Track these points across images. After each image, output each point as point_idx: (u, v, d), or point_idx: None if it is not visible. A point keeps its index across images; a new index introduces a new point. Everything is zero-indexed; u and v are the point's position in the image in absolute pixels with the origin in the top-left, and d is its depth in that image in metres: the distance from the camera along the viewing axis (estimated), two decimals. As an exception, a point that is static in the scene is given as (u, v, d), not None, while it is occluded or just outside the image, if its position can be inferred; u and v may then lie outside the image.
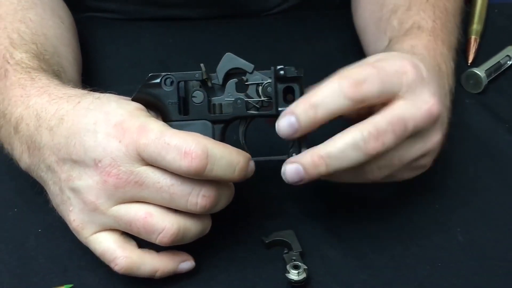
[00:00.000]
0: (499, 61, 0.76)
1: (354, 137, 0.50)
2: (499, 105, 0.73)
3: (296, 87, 0.53)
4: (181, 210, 0.50)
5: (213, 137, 0.53)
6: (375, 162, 0.52)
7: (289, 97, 0.53)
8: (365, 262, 0.56)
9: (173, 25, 0.82)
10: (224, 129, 0.54)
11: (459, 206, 0.61)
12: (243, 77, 0.53)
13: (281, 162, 0.53)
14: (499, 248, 0.58)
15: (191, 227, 0.51)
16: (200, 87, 0.53)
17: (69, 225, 0.52)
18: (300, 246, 0.56)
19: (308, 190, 0.61)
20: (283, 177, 0.52)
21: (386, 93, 0.51)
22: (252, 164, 0.52)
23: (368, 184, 0.56)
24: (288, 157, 0.53)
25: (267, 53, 0.76)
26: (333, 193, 0.61)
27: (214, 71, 0.54)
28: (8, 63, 0.58)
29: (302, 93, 0.53)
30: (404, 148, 0.52)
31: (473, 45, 0.79)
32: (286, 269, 0.54)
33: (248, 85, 0.53)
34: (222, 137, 0.54)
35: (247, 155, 0.51)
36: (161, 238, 0.50)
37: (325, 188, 0.60)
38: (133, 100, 0.55)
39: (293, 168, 0.51)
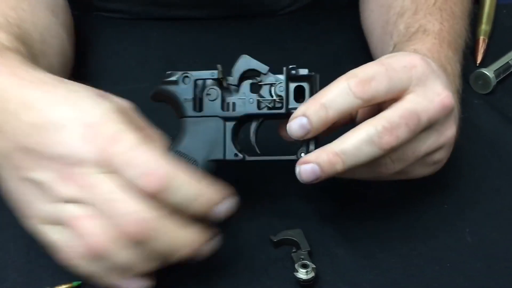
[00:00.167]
0: (507, 62, 0.76)
1: (368, 132, 0.50)
2: (508, 105, 0.72)
3: (306, 86, 0.54)
4: (116, 229, 0.46)
5: (224, 134, 0.54)
6: (390, 156, 0.52)
7: (301, 99, 0.54)
8: (373, 262, 0.56)
9: (181, 24, 0.82)
10: (236, 128, 0.55)
11: (468, 206, 0.61)
12: (257, 78, 0.54)
13: (290, 162, 0.54)
14: (508, 249, 0.58)
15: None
16: (215, 85, 0.55)
17: (17, 212, 0.50)
18: (308, 245, 0.56)
19: (316, 189, 0.61)
20: (298, 177, 0.52)
21: (395, 89, 0.51)
22: (226, 205, 0.49)
23: (377, 183, 0.56)
24: (297, 157, 0.53)
25: (275, 53, 0.75)
26: (342, 193, 0.61)
27: (227, 72, 0.55)
28: None
29: (313, 92, 0.53)
30: (418, 141, 0.52)
31: (482, 46, 0.78)
32: (295, 268, 0.54)
33: (261, 85, 0.54)
34: (235, 135, 0.55)
35: (222, 193, 0.49)
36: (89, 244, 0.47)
37: (333, 187, 0.60)
38: (152, 96, 0.56)
39: (308, 167, 0.51)
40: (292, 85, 0.54)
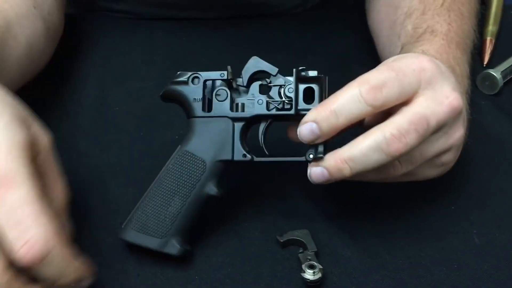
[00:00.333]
0: (515, 62, 0.75)
1: (376, 140, 0.50)
2: (515, 106, 0.72)
3: (316, 87, 0.54)
4: None
5: (233, 135, 0.55)
6: (398, 158, 0.52)
7: (310, 100, 0.54)
8: (380, 263, 0.56)
9: (187, 23, 0.81)
10: (244, 128, 0.55)
11: (475, 208, 0.61)
12: (267, 79, 0.54)
13: (298, 163, 0.54)
14: (515, 251, 0.58)
15: None
16: (224, 86, 0.55)
17: None
18: (315, 246, 0.56)
19: (323, 190, 0.61)
20: (309, 178, 0.53)
21: (406, 94, 0.51)
22: (86, 283, 0.48)
23: (385, 184, 0.56)
24: (306, 158, 0.53)
25: (282, 52, 0.75)
26: (349, 193, 0.61)
27: (235, 73, 0.55)
28: None
29: (322, 94, 0.54)
30: (427, 143, 0.52)
31: (489, 46, 0.78)
32: (301, 269, 0.54)
33: (271, 87, 0.54)
34: (243, 136, 0.55)
35: (86, 272, 0.48)
36: None
37: (340, 188, 0.59)
38: (161, 96, 0.56)
39: (318, 170, 0.52)
40: (302, 87, 0.54)
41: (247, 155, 0.54)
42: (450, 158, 0.55)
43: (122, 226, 0.55)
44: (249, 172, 0.63)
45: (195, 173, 0.54)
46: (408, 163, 0.53)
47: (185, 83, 0.55)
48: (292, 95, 0.54)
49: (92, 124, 0.68)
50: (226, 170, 0.55)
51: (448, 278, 0.55)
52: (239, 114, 0.55)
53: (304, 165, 0.53)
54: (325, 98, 0.53)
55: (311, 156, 0.52)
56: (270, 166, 0.61)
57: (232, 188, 0.60)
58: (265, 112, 0.54)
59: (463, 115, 0.55)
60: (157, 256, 0.55)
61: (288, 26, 0.81)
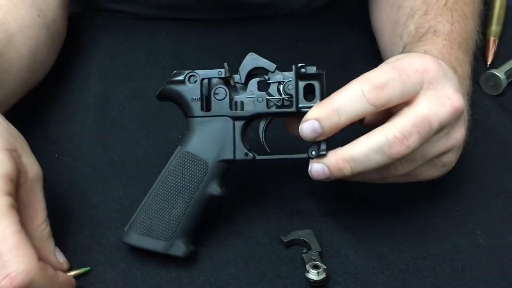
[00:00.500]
0: (518, 63, 0.75)
1: (378, 142, 0.50)
2: (519, 107, 0.72)
3: (316, 84, 0.53)
4: None
5: (234, 134, 0.54)
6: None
7: (310, 97, 0.54)
8: (384, 263, 0.56)
9: (190, 23, 0.81)
10: (244, 126, 0.55)
11: (479, 208, 0.61)
12: (265, 76, 0.54)
13: (301, 161, 0.54)
14: (519, 251, 0.57)
15: None
16: (222, 84, 0.54)
17: None
18: (319, 246, 0.56)
19: (328, 190, 0.61)
20: (310, 174, 0.53)
21: (408, 94, 0.51)
22: None
23: (389, 184, 0.56)
24: (308, 155, 0.53)
25: (284, 52, 0.75)
26: (353, 193, 0.61)
27: (236, 71, 0.54)
28: None
29: (323, 91, 0.53)
30: (428, 144, 0.52)
31: (492, 47, 0.78)
32: (305, 269, 0.54)
33: (269, 84, 0.54)
34: (244, 135, 0.55)
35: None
36: None
37: (345, 188, 0.59)
38: (157, 95, 0.56)
39: (319, 167, 0.52)
40: (302, 84, 0.54)
41: (249, 153, 0.54)
42: (450, 158, 0.55)
43: (125, 230, 0.55)
44: (252, 172, 0.63)
45: (197, 174, 0.54)
46: (409, 164, 0.53)
47: (182, 82, 0.54)
48: (292, 92, 0.53)
49: (95, 123, 0.68)
50: (228, 169, 0.55)
51: (453, 278, 0.55)
52: (240, 113, 0.54)
53: (307, 164, 0.53)
54: (325, 93, 0.53)
55: (313, 153, 0.52)
56: (273, 166, 0.60)
57: (236, 188, 0.59)
58: (266, 110, 0.54)
59: (464, 116, 0.55)
60: (161, 256, 0.55)
61: (291, 26, 0.81)
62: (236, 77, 0.54)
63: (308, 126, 0.51)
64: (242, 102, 0.54)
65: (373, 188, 0.57)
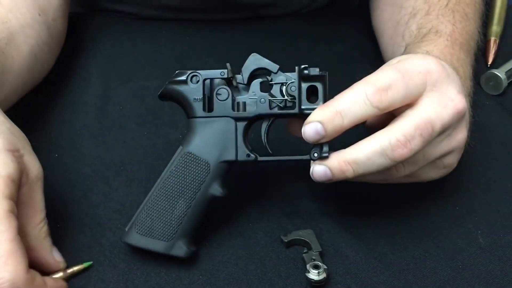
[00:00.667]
0: (519, 63, 0.75)
1: (381, 145, 0.50)
2: (520, 107, 0.72)
3: (320, 86, 0.53)
4: None
5: (236, 134, 0.54)
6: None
7: (313, 98, 0.54)
8: (385, 263, 0.56)
9: (191, 23, 0.81)
10: (247, 127, 0.55)
11: (480, 208, 0.61)
12: (267, 77, 0.54)
13: (302, 161, 0.54)
14: (520, 251, 0.57)
15: None
16: (225, 85, 0.54)
17: None
18: (319, 246, 0.56)
19: (328, 190, 0.61)
20: (312, 176, 0.52)
21: (411, 96, 0.51)
22: None
23: (389, 184, 0.56)
24: (310, 157, 0.53)
25: (286, 52, 0.75)
26: (354, 193, 0.61)
27: (238, 71, 0.54)
28: None
29: (325, 93, 0.53)
30: (430, 146, 0.52)
31: (493, 47, 0.78)
32: (306, 269, 0.54)
33: (272, 85, 0.54)
34: (246, 136, 0.55)
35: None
36: None
37: (345, 188, 0.59)
38: (159, 95, 0.55)
39: (321, 169, 0.52)
40: (305, 85, 0.53)
41: (251, 154, 0.54)
42: (452, 160, 0.55)
43: (126, 229, 0.55)
44: (253, 172, 0.63)
45: (199, 175, 0.54)
46: (411, 165, 0.53)
47: (184, 82, 0.54)
48: (295, 93, 0.53)
49: (96, 123, 0.68)
50: (230, 170, 0.55)
51: (453, 278, 0.55)
52: (242, 113, 0.54)
53: (308, 164, 0.53)
54: (327, 95, 0.53)
55: (316, 155, 0.52)
56: (274, 166, 0.60)
57: (236, 188, 0.59)
58: (268, 111, 0.54)
59: (466, 117, 0.55)
60: (161, 256, 0.55)
61: (292, 27, 0.81)
62: (239, 77, 0.54)
63: (311, 129, 0.51)
64: (244, 103, 0.54)
65: (373, 188, 0.57)
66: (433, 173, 0.55)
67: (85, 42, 0.78)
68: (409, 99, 0.51)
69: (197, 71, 0.54)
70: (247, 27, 0.80)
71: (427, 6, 0.67)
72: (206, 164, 0.54)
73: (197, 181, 0.54)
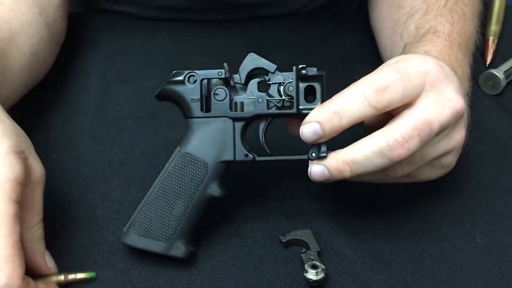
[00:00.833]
0: (517, 63, 0.75)
1: (379, 145, 0.50)
2: (518, 106, 0.72)
3: (317, 86, 0.53)
4: None
5: (234, 135, 0.54)
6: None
7: (310, 98, 0.54)
8: (383, 263, 0.56)
9: (190, 23, 0.81)
10: (244, 127, 0.55)
11: (478, 208, 0.61)
12: (265, 77, 0.54)
13: (300, 161, 0.54)
14: (518, 251, 0.57)
15: None
16: (222, 85, 0.54)
17: None
18: (318, 246, 0.56)
19: (326, 190, 0.61)
20: (310, 176, 0.53)
21: (409, 96, 0.51)
22: None
23: (387, 184, 0.56)
24: (308, 156, 0.53)
25: (284, 52, 0.75)
26: (352, 193, 0.61)
27: (235, 71, 0.54)
28: None
29: (323, 93, 0.53)
30: (428, 146, 0.52)
31: (491, 46, 0.78)
32: (304, 269, 0.54)
33: (270, 84, 0.54)
34: (243, 135, 0.55)
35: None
36: None
37: (343, 188, 0.59)
38: (157, 95, 0.55)
39: (319, 169, 0.52)
40: (302, 85, 0.54)
41: (249, 154, 0.54)
42: (450, 160, 0.55)
43: (124, 230, 0.55)
44: (251, 172, 0.63)
45: (197, 175, 0.54)
46: (409, 165, 0.53)
47: (182, 82, 0.54)
48: (292, 93, 0.53)
49: (94, 123, 0.68)
50: (228, 170, 0.55)
51: (451, 278, 0.55)
52: (240, 114, 0.54)
53: (306, 164, 0.53)
54: (325, 95, 0.53)
55: (314, 155, 0.52)
56: (272, 166, 0.60)
57: (234, 188, 0.59)
58: (266, 111, 0.54)
59: (464, 117, 0.55)
60: (160, 256, 0.55)
61: (290, 26, 0.81)
62: (236, 77, 0.54)
63: (309, 129, 0.51)
64: (242, 103, 0.54)
65: (371, 188, 0.57)
66: (431, 173, 0.55)
67: (84, 42, 0.78)
68: (407, 99, 0.51)
69: (195, 71, 0.54)
70: (246, 27, 0.80)
71: (425, 6, 0.68)
72: (204, 164, 0.54)
73: (195, 181, 0.54)
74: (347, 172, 0.51)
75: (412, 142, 0.50)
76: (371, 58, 0.75)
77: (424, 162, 0.53)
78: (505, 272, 0.56)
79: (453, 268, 0.56)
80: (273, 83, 0.54)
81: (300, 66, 0.53)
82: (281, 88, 0.53)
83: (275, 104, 0.54)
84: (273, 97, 0.54)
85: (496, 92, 0.73)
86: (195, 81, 0.54)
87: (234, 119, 0.54)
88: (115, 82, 0.73)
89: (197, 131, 0.54)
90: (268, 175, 0.63)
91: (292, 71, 0.54)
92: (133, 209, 0.55)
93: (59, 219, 0.59)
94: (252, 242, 0.57)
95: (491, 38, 0.79)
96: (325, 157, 0.52)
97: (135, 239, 0.54)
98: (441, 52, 0.60)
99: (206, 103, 0.54)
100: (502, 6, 0.83)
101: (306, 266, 0.54)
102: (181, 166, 0.54)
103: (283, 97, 0.54)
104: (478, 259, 0.56)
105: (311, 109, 0.52)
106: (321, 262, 0.54)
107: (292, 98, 0.53)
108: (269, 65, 0.54)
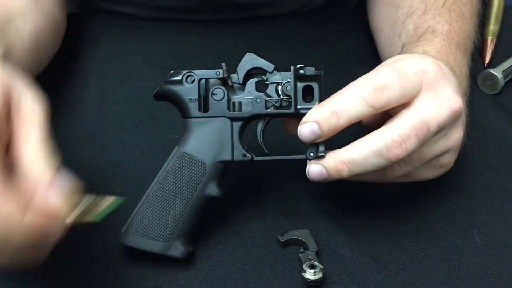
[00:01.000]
0: (516, 62, 0.75)
1: (377, 145, 0.50)
2: (517, 106, 0.72)
3: (315, 86, 0.54)
4: None
5: (232, 135, 0.54)
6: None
7: (308, 98, 0.54)
8: (381, 262, 0.56)
9: (188, 23, 0.81)
10: (242, 127, 0.55)
11: (476, 207, 0.61)
12: (263, 76, 0.54)
13: (298, 161, 0.54)
14: (516, 251, 0.57)
15: None
16: (220, 85, 0.54)
17: None
18: (316, 246, 0.56)
19: (324, 189, 0.61)
20: (307, 175, 0.53)
21: (407, 95, 0.51)
22: (55, 230, 0.44)
23: (386, 184, 0.56)
24: (306, 156, 0.53)
25: (283, 52, 0.75)
26: (350, 193, 0.61)
27: (233, 71, 0.54)
28: None
29: (321, 93, 0.53)
30: (426, 146, 0.52)
31: (490, 46, 0.78)
32: (302, 269, 0.54)
33: (268, 84, 0.54)
34: (241, 135, 0.55)
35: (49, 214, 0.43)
36: None
37: (342, 188, 0.59)
38: (155, 95, 0.56)
39: (317, 169, 0.52)
40: (300, 85, 0.54)
41: (247, 154, 0.54)
42: (449, 159, 0.55)
43: (122, 230, 0.55)
44: (249, 172, 0.63)
45: (195, 175, 0.54)
46: (407, 165, 0.53)
47: (180, 82, 0.54)
48: (290, 93, 0.53)
49: (93, 123, 0.68)
50: (226, 170, 0.55)
51: (449, 278, 0.55)
52: (238, 114, 0.54)
53: (305, 163, 0.53)
54: (323, 94, 0.53)
55: (312, 154, 0.53)
56: (270, 165, 0.60)
57: (233, 188, 0.59)
58: (264, 111, 0.54)
59: (462, 117, 0.55)
60: (158, 256, 0.55)
61: (289, 26, 0.81)
62: (234, 77, 0.54)
63: (307, 128, 0.51)
64: (240, 103, 0.54)
65: (370, 187, 0.57)
66: (430, 173, 0.56)
67: (82, 43, 0.78)
68: (405, 98, 0.51)
69: (192, 71, 0.54)
70: (245, 27, 0.80)
71: (423, 6, 0.68)
72: (202, 164, 0.54)
73: (193, 181, 0.54)
74: (345, 172, 0.51)
75: (409, 142, 0.50)
76: (370, 58, 0.75)
77: (422, 162, 0.53)
78: (503, 271, 0.56)
79: (451, 267, 0.56)
80: (271, 83, 0.54)
81: (298, 66, 0.53)
82: (279, 88, 0.54)
83: (273, 104, 0.54)
84: (271, 97, 0.54)
85: (495, 92, 0.73)
86: (193, 81, 0.54)
87: (232, 119, 0.54)
88: (114, 82, 0.73)
89: (195, 131, 0.54)
90: (266, 174, 0.63)
91: (290, 71, 0.54)
92: (132, 209, 0.55)
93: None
94: (251, 242, 0.57)
95: (489, 38, 0.79)
96: (323, 156, 0.52)
97: (133, 239, 0.54)
98: (439, 52, 0.60)
99: (204, 103, 0.54)
100: (500, 5, 0.83)
101: (304, 266, 0.54)
102: (179, 166, 0.54)
103: (281, 97, 0.54)
104: (477, 259, 0.56)
105: (309, 109, 0.52)
106: (319, 262, 0.54)
107: (290, 98, 0.53)
108: (267, 65, 0.54)
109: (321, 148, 0.52)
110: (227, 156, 0.54)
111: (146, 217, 0.54)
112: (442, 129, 0.52)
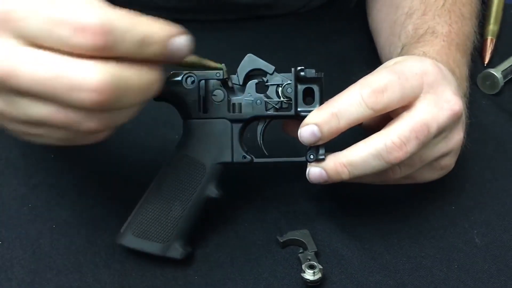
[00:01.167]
0: (516, 62, 0.75)
1: (377, 148, 0.50)
2: (516, 106, 0.72)
3: (316, 88, 0.53)
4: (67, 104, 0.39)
5: (231, 136, 0.54)
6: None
7: (308, 100, 0.54)
8: (380, 263, 0.56)
9: (188, 23, 0.81)
10: (242, 129, 0.55)
11: (476, 208, 0.61)
12: (263, 78, 0.54)
13: (298, 163, 0.54)
14: (516, 251, 0.57)
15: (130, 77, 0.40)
16: (220, 86, 0.54)
17: None
18: (315, 246, 0.56)
19: (324, 190, 0.61)
20: (307, 177, 0.53)
21: (407, 98, 0.51)
22: (181, 40, 0.43)
23: (385, 185, 0.56)
24: (306, 158, 0.53)
25: (282, 52, 0.75)
26: (349, 193, 0.61)
27: (233, 71, 0.54)
28: None
29: (322, 95, 0.53)
30: (426, 148, 0.52)
31: (489, 46, 0.78)
32: (301, 269, 0.54)
33: (268, 86, 0.54)
34: (241, 137, 0.55)
35: (172, 29, 0.43)
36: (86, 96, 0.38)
37: (341, 188, 0.59)
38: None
39: (317, 171, 0.52)
40: (301, 87, 0.54)
41: (247, 156, 0.54)
42: (449, 161, 0.55)
43: (121, 231, 0.55)
44: (249, 173, 0.63)
45: (195, 177, 0.54)
46: (407, 167, 0.53)
47: (179, 83, 0.54)
48: (291, 95, 0.53)
49: (92, 124, 0.68)
50: (226, 171, 0.55)
51: (449, 278, 0.55)
52: (238, 115, 0.54)
53: (304, 165, 0.53)
54: (323, 96, 0.53)
55: (312, 157, 0.53)
56: (270, 167, 0.60)
57: (232, 188, 0.59)
58: (264, 113, 0.54)
59: (462, 119, 0.55)
60: (157, 257, 0.55)
61: (289, 27, 0.81)
62: (234, 78, 0.54)
63: (307, 131, 0.51)
64: (240, 104, 0.54)
65: (369, 188, 0.57)
66: (430, 175, 0.56)
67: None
68: (405, 100, 0.51)
69: (192, 71, 0.54)
70: (245, 28, 0.80)
71: (423, 7, 0.68)
72: (202, 166, 0.54)
73: (193, 183, 0.54)
74: (345, 174, 0.51)
75: (410, 144, 0.50)
76: (370, 58, 0.75)
77: (422, 164, 0.53)
78: (503, 272, 0.56)
79: (450, 268, 0.56)
80: (271, 85, 0.54)
81: (299, 68, 0.53)
82: (280, 89, 0.54)
83: (273, 106, 0.54)
84: (271, 98, 0.54)
85: (494, 92, 0.73)
86: (193, 82, 0.54)
87: (232, 121, 0.54)
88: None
89: (195, 133, 0.54)
90: (266, 176, 0.63)
91: (290, 72, 0.53)
92: (131, 210, 0.55)
93: (56, 219, 0.58)
94: (250, 243, 0.57)
95: (489, 38, 0.79)
96: (323, 159, 0.52)
97: (132, 240, 0.54)
98: (439, 53, 0.60)
99: (203, 104, 0.54)
100: (500, 5, 0.83)
101: (303, 266, 0.54)
102: (178, 167, 0.54)
103: (281, 99, 0.54)
104: (476, 259, 0.56)
105: (310, 111, 0.52)
106: (319, 262, 0.54)
107: (291, 100, 0.53)
108: (267, 66, 0.54)
109: (321, 151, 0.52)
110: (227, 158, 0.54)
111: (145, 218, 0.54)
112: (443, 131, 0.52)
